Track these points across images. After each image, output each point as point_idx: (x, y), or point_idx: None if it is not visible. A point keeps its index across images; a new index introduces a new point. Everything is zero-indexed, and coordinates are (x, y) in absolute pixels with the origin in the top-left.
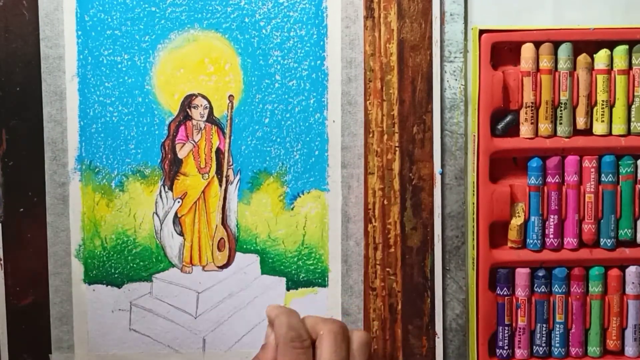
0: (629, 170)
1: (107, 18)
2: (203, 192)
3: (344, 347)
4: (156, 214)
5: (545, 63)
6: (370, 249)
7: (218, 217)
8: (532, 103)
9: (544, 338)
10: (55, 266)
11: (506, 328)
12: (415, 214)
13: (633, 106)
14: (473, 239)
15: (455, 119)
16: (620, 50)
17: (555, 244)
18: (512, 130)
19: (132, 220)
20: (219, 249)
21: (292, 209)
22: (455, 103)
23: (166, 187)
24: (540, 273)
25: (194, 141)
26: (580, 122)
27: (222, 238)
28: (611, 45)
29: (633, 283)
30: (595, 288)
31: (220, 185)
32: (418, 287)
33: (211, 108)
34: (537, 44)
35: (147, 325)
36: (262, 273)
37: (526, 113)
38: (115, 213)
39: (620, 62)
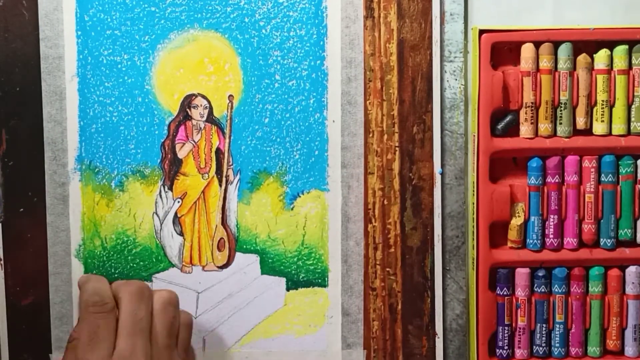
0: (629, 170)
1: (106, 18)
2: (203, 192)
3: (142, 307)
4: (156, 214)
5: (545, 63)
6: (370, 249)
7: (218, 217)
8: (532, 103)
9: (544, 338)
10: (55, 266)
11: (506, 328)
12: (415, 213)
13: (633, 106)
14: (473, 239)
15: (455, 119)
16: (620, 50)
17: (555, 244)
18: (512, 130)
19: (132, 220)
20: (219, 249)
21: (292, 209)
22: (455, 103)
23: (166, 187)
24: (540, 273)
25: (194, 141)
26: (580, 122)
27: (222, 238)
28: (611, 45)
29: (633, 283)
30: (595, 288)
31: (220, 185)
32: (418, 287)
33: (211, 108)
34: (537, 44)
35: None
36: (262, 273)
37: (526, 113)
38: (115, 213)
39: (620, 62)
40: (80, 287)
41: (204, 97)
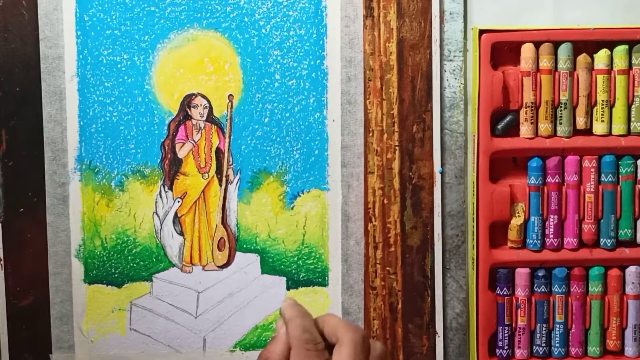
0: (628, 170)
1: (106, 18)
2: (203, 191)
3: (362, 358)
4: (156, 213)
5: (545, 63)
6: (371, 248)
7: (218, 217)
8: (532, 103)
9: (543, 338)
10: (55, 266)
11: (506, 328)
12: (415, 212)
13: (633, 106)
14: (473, 239)
15: (455, 118)
16: (620, 50)
17: (555, 244)
18: (512, 130)
19: (132, 220)
20: (219, 249)
21: (292, 208)
22: (454, 102)
23: (166, 187)
24: (540, 273)
25: (194, 141)
26: (580, 122)
27: (222, 237)
28: (611, 45)
29: (633, 283)
30: (595, 288)
31: (220, 185)
32: (418, 286)
33: (211, 107)
34: (537, 44)
35: (147, 325)
36: (262, 272)
37: (526, 113)
38: (115, 213)
39: (620, 62)
40: (288, 319)
41: (203, 96)
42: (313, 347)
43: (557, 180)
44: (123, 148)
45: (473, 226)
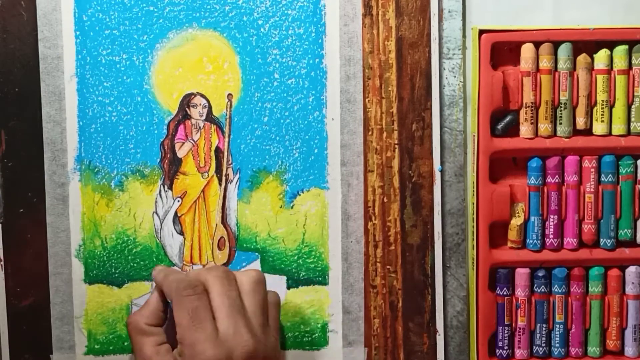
0: (628, 171)
1: (105, 18)
2: (203, 191)
3: (232, 287)
4: (156, 213)
5: (545, 63)
6: (371, 247)
7: (218, 216)
8: (532, 103)
9: (543, 338)
10: (55, 266)
11: (506, 328)
12: (415, 211)
13: (633, 106)
14: (473, 239)
15: (454, 116)
16: (620, 50)
17: (555, 244)
18: (512, 130)
19: (132, 220)
20: (219, 248)
21: (292, 207)
22: (454, 100)
23: (166, 187)
24: (540, 273)
25: (193, 140)
26: (580, 122)
27: (222, 237)
28: (611, 45)
29: (633, 283)
30: (595, 288)
31: (220, 184)
32: (419, 285)
33: (210, 107)
34: (537, 44)
35: None
36: (263, 272)
37: (526, 113)
38: (115, 213)
39: (620, 62)
40: (161, 281)
41: (203, 96)
42: (192, 291)
43: (557, 181)
44: (122, 148)
45: (473, 226)
